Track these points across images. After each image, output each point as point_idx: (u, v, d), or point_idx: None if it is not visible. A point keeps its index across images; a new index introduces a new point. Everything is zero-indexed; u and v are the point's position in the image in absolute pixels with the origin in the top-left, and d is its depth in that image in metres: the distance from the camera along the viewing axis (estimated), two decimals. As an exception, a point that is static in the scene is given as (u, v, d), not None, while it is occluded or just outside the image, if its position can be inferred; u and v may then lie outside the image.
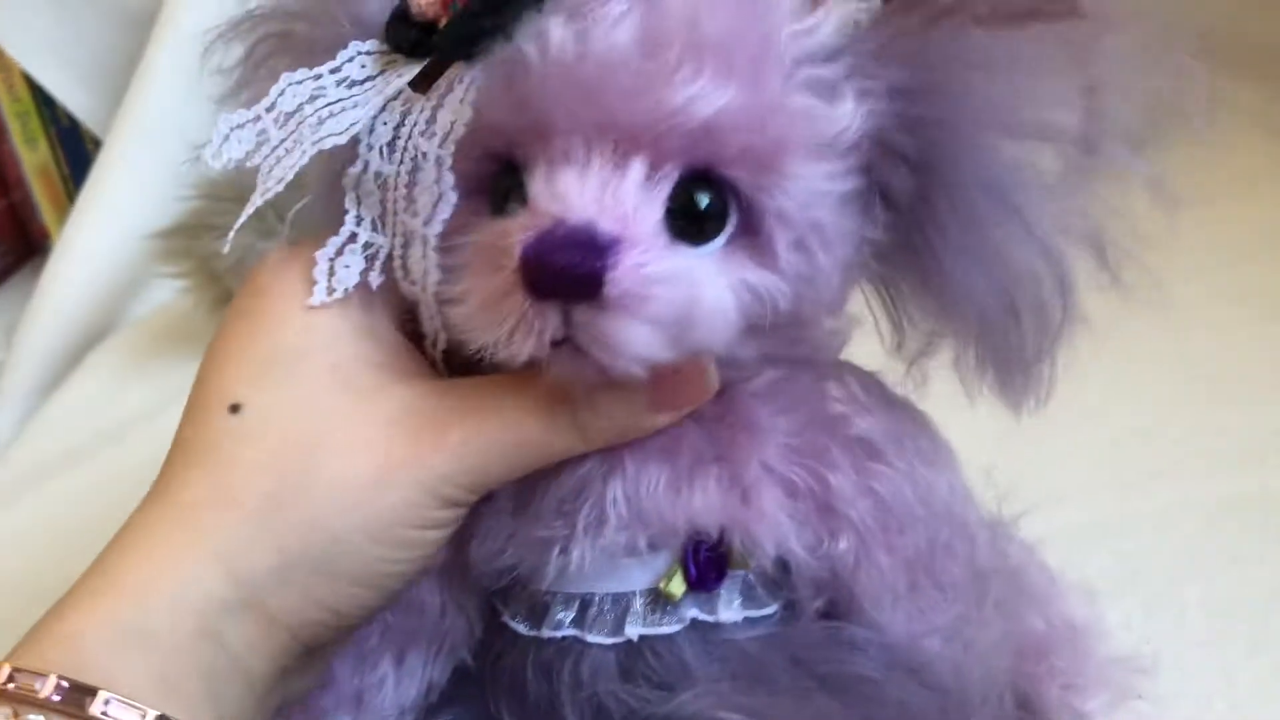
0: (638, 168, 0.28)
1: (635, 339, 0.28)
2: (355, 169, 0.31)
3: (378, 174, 0.31)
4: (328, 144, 0.30)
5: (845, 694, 0.31)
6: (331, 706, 0.34)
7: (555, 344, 0.28)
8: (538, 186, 0.29)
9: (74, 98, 0.95)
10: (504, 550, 0.33)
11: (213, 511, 0.30)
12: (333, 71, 0.31)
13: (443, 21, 0.29)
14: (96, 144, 0.97)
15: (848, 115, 0.29)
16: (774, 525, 0.32)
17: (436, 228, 0.30)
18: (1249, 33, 0.83)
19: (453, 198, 0.29)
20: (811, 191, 0.29)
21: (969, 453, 0.36)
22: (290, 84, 0.31)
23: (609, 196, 0.28)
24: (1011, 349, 0.30)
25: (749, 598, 0.33)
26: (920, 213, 0.30)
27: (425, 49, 0.30)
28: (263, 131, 0.31)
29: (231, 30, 0.34)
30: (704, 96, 0.27)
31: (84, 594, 0.29)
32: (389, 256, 0.31)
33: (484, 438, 0.30)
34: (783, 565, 0.33)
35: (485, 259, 0.29)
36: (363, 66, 0.31)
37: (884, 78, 0.29)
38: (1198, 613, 0.44)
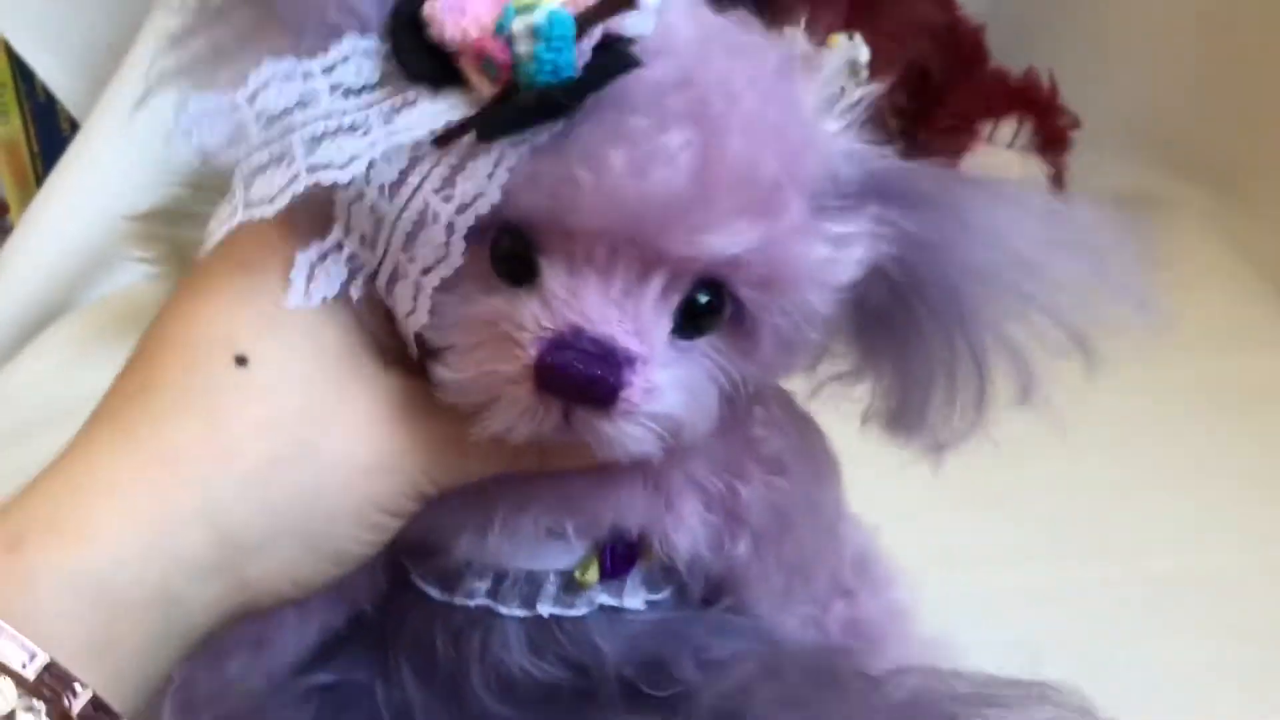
0: (657, 284, 0.29)
1: (632, 441, 0.29)
2: (349, 193, 0.29)
3: (373, 208, 0.29)
4: (326, 178, 0.27)
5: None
6: (232, 647, 0.34)
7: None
8: (556, 281, 0.28)
9: (57, 78, 0.96)
10: (420, 521, 0.32)
11: (209, 465, 0.28)
12: (325, 71, 0.28)
13: (463, 56, 0.27)
14: (72, 125, 0.98)
15: (857, 263, 0.30)
16: (690, 531, 0.34)
17: (434, 282, 0.29)
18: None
19: (458, 262, 0.28)
20: (808, 312, 0.30)
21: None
22: (275, 79, 0.28)
23: (629, 311, 0.28)
24: (922, 408, 0.32)
25: (649, 585, 0.35)
26: (887, 313, 0.32)
27: (437, 79, 0.28)
28: (241, 125, 0.28)
29: None
30: (739, 234, 0.28)
31: (38, 526, 0.27)
32: (373, 276, 0.30)
33: (468, 438, 0.30)
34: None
35: (491, 338, 0.29)
36: (358, 71, 0.28)
37: (898, 227, 0.30)
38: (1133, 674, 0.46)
